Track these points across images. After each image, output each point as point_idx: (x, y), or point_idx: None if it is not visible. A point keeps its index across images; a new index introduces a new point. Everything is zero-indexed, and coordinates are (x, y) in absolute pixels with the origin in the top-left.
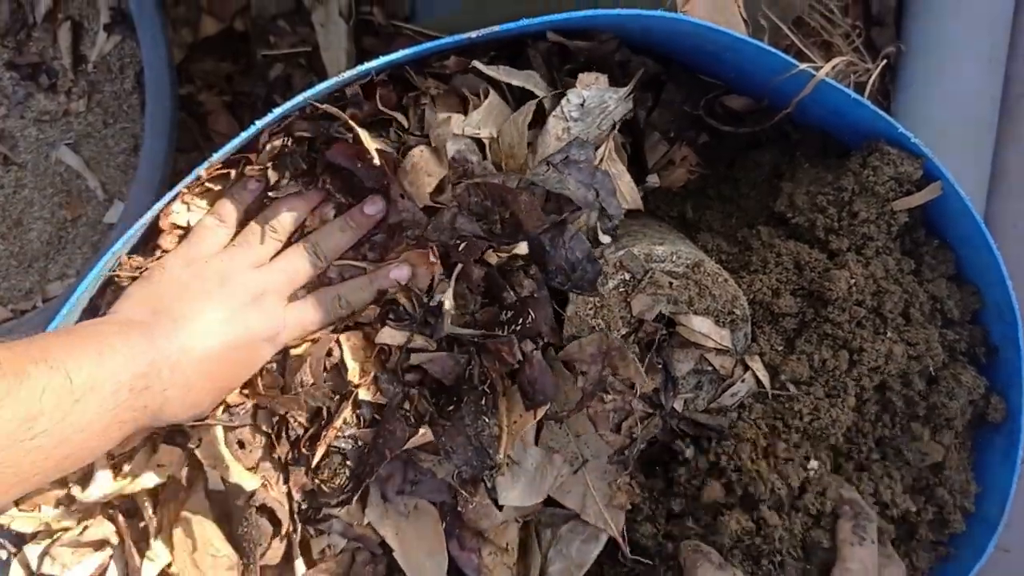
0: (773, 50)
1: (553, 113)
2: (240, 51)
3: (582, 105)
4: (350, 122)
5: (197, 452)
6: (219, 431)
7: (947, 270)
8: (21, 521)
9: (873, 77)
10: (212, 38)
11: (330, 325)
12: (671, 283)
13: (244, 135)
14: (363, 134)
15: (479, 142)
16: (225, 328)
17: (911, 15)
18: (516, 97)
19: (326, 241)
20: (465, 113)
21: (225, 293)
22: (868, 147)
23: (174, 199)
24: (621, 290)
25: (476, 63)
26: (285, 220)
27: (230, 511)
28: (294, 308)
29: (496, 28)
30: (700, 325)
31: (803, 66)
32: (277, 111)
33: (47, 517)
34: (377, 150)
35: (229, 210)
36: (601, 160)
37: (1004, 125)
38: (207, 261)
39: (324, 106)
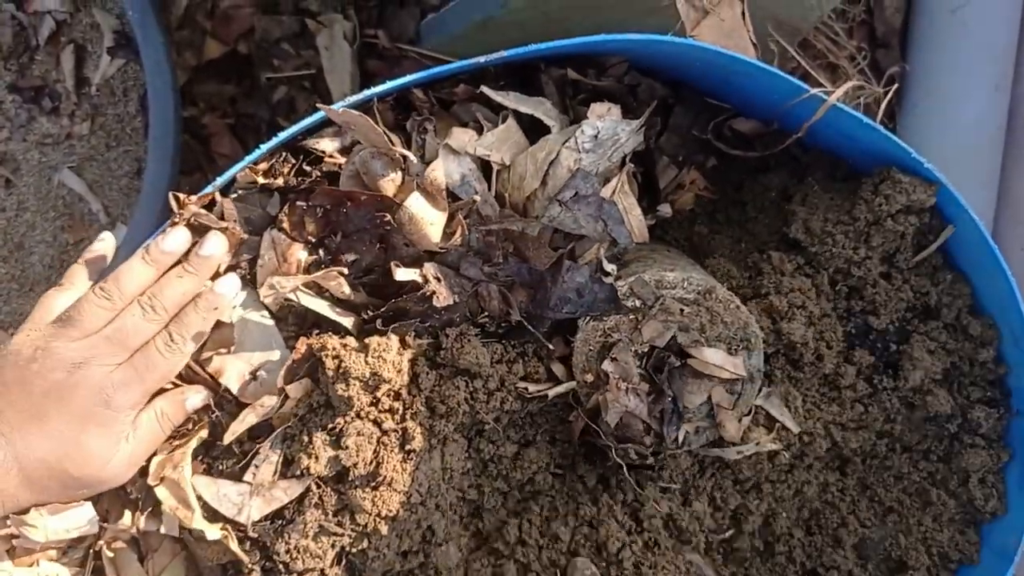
0: (783, 74)
1: (566, 144)
2: (244, 74)
3: (596, 137)
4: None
5: (157, 491)
6: (187, 471)
7: (964, 303)
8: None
9: (884, 102)
10: (216, 61)
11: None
12: (682, 310)
13: (249, 158)
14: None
15: (486, 165)
16: None
17: (916, 38)
18: (525, 125)
19: (164, 294)
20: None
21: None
22: (880, 175)
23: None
24: (632, 316)
25: (485, 88)
26: (124, 284)
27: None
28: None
29: (505, 53)
30: (713, 356)
31: (814, 91)
32: (283, 134)
33: (46, 571)
34: (372, 195)
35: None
36: (613, 193)
37: (1010, 150)
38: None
39: (344, 111)
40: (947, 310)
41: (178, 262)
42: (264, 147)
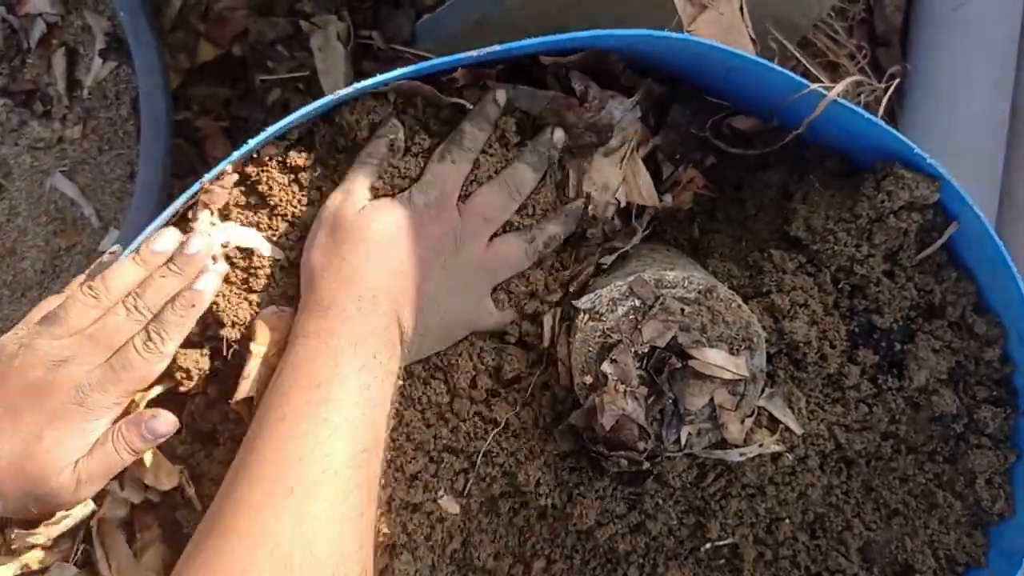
0: (782, 70)
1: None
2: (238, 76)
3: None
4: None
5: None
6: None
7: (969, 301)
8: (3, 568)
9: (885, 98)
10: (209, 63)
11: None
12: (683, 309)
13: (237, 153)
14: None
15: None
16: None
17: (916, 37)
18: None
19: (147, 293)
20: None
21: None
22: (882, 171)
23: (174, 217)
24: (631, 316)
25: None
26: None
27: None
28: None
29: (497, 48)
30: (714, 357)
31: (814, 86)
32: (269, 129)
33: (27, 559)
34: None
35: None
36: (623, 160)
37: (1012, 148)
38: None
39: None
40: (952, 308)
41: None
42: (252, 142)
